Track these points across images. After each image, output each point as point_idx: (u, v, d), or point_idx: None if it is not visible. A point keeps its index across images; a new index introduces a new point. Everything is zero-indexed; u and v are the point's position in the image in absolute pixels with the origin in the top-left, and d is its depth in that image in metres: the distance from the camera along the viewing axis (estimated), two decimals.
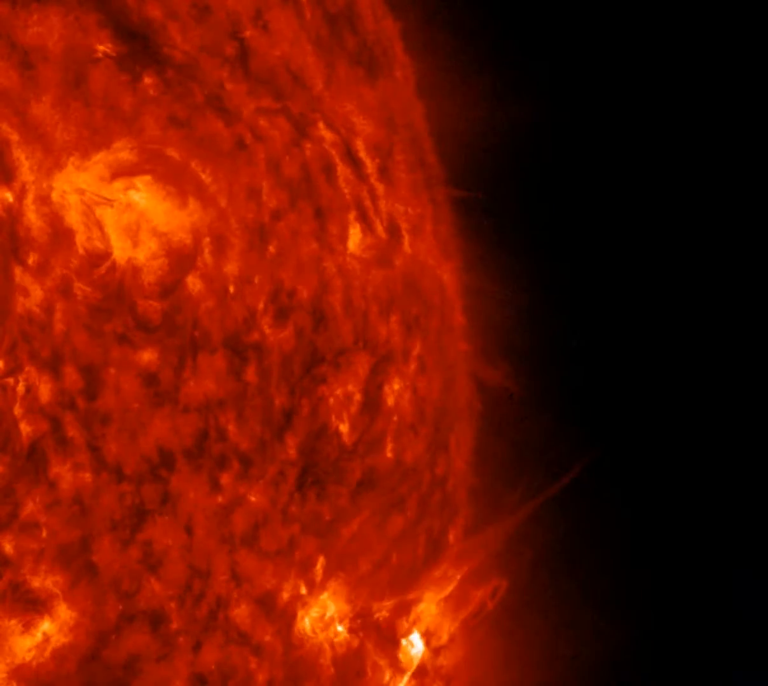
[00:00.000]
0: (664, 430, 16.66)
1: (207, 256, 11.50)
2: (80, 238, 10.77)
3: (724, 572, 16.80)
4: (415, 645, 14.54)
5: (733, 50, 15.49)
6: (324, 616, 13.11)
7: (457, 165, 15.33)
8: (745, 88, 15.62)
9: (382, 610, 13.85)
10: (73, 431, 10.84)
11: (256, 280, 11.87)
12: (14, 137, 10.47)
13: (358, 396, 12.95)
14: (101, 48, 10.97)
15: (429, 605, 14.75)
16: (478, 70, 15.37)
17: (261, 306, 11.90)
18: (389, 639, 14.03)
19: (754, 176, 15.96)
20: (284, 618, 12.65)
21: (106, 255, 10.91)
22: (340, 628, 13.31)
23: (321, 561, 12.91)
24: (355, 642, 13.47)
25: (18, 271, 10.48)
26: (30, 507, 10.67)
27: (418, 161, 14.49)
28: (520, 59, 15.48)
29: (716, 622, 16.89)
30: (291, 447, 12.34)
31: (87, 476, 10.95)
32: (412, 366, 13.70)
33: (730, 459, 16.59)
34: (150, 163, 11.09)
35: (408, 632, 14.38)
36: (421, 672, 14.64)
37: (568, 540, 16.41)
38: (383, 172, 13.52)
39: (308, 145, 12.41)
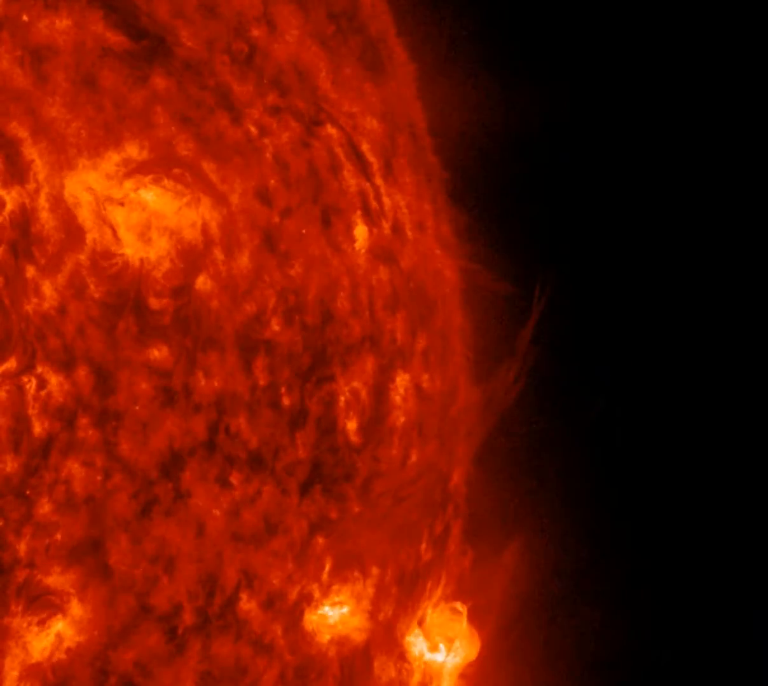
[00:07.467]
0: (664, 431, 16.69)
1: (217, 254, 11.52)
2: (92, 237, 10.79)
3: (725, 573, 16.83)
4: (421, 644, 14.56)
5: (734, 50, 15.54)
6: (332, 615, 13.12)
7: (457, 165, 15.36)
8: (745, 87, 15.67)
9: (389, 609, 13.86)
10: (85, 430, 10.84)
11: (266, 279, 11.89)
12: (26, 136, 10.48)
13: (365, 395, 12.97)
14: (111, 47, 10.99)
15: (434, 604, 14.77)
16: (479, 70, 15.40)
17: (271, 304, 11.91)
18: (397, 639, 14.05)
19: (755, 177, 16.02)
20: (293, 617, 12.65)
21: (118, 254, 10.93)
22: (347, 627, 13.31)
23: (329, 561, 12.92)
24: (363, 642, 13.47)
25: (30, 269, 10.50)
26: (43, 507, 10.67)
27: (419, 160, 14.53)
28: (520, 60, 15.52)
29: (716, 622, 16.92)
30: (300, 445, 12.35)
31: (99, 475, 10.95)
32: (418, 364, 13.72)
33: (731, 460, 16.62)
34: (160, 162, 11.11)
35: (415, 631, 14.40)
36: (427, 671, 14.65)
37: (568, 540, 16.44)
38: (388, 171, 13.55)
39: (316, 144, 12.44)
